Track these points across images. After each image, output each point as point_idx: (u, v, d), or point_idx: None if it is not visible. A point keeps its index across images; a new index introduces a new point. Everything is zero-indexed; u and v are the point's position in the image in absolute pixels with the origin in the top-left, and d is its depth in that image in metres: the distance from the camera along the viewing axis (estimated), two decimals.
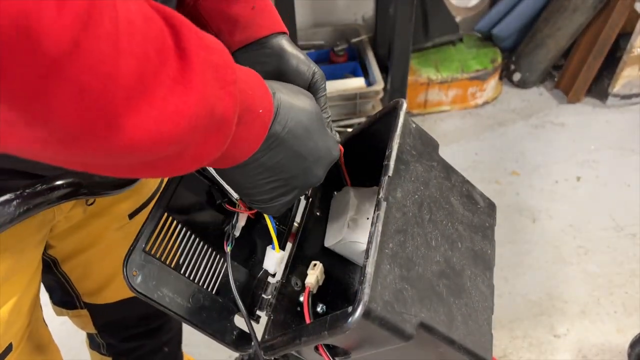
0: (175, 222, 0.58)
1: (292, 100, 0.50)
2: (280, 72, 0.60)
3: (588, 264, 1.81)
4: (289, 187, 0.53)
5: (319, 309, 0.61)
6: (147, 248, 0.54)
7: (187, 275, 0.59)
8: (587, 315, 1.67)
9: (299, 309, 0.61)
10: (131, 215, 0.84)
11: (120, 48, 0.30)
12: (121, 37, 0.30)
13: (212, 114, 0.38)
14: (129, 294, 0.86)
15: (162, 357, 1.10)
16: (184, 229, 0.59)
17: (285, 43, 0.61)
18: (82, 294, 0.90)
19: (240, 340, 0.60)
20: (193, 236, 0.60)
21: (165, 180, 0.59)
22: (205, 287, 0.60)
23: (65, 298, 0.92)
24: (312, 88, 0.60)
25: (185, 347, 1.61)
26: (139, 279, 0.53)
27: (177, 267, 0.58)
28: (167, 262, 0.57)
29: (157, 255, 0.55)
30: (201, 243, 0.61)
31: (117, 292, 0.91)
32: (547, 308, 1.69)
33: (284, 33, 0.62)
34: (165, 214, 0.57)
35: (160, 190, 0.58)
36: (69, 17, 0.26)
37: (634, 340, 1.39)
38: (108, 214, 0.81)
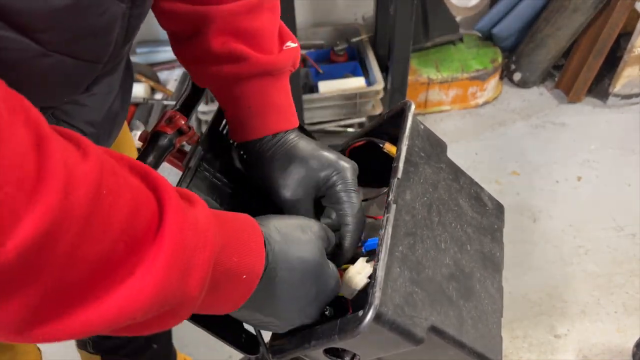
0: None
1: (288, 249, 0.48)
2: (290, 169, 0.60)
3: (588, 264, 1.81)
4: (276, 325, 0.52)
5: (326, 312, 0.60)
6: None
7: None
8: (587, 315, 1.67)
9: None
10: None
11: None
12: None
13: (171, 299, 0.35)
14: None
15: (151, 355, 1.08)
16: None
17: (291, 146, 0.60)
18: None
19: (249, 343, 0.60)
20: None
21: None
22: None
23: None
24: (325, 187, 0.59)
25: (186, 347, 1.60)
26: None
27: None
28: None
29: None
30: None
31: None
32: (547, 308, 1.69)
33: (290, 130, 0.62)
34: None
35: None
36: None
37: (639, 340, 1.40)
38: None
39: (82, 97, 0.58)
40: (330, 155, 0.59)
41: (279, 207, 0.62)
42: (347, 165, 0.59)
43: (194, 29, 0.59)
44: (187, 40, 0.60)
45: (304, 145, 0.60)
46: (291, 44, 0.63)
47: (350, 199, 0.57)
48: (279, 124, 0.61)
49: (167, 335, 1.14)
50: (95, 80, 0.56)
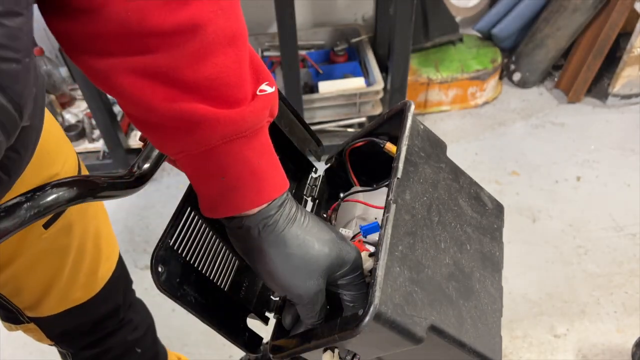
0: (197, 218, 0.58)
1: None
2: None
3: (588, 264, 1.81)
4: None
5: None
6: (173, 244, 0.54)
7: (206, 273, 0.59)
8: (587, 315, 1.67)
9: None
10: (46, 225, 0.74)
11: None
12: None
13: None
14: (73, 303, 0.83)
15: (137, 359, 1.03)
16: (204, 225, 0.59)
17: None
18: (23, 309, 0.82)
19: (251, 342, 0.60)
20: (211, 233, 0.60)
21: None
22: (221, 286, 0.60)
23: (8, 314, 0.84)
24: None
25: (185, 347, 1.61)
26: (164, 275, 0.52)
27: (198, 265, 0.57)
28: (189, 259, 0.56)
29: (181, 252, 0.55)
30: (217, 240, 0.61)
31: (59, 302, 0.83)
32: (547, 308, 1.69)
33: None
34: (189, 210, 0.56)
35: (187, 188, 0.57)
36: None
37: (639, 340, 1.39)
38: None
39: None
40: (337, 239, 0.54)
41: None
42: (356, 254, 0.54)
43: None
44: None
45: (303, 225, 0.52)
46: (267, 88, 0.49)
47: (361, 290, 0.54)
48: (265, 194, 0.49)
49: (152, 337, 1.09)
50: None
